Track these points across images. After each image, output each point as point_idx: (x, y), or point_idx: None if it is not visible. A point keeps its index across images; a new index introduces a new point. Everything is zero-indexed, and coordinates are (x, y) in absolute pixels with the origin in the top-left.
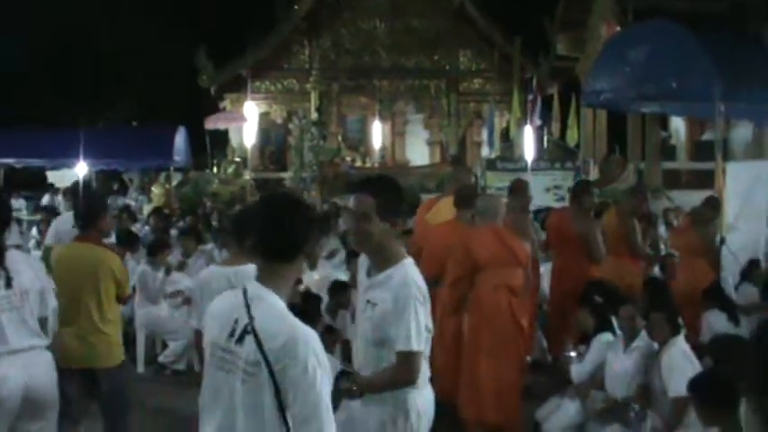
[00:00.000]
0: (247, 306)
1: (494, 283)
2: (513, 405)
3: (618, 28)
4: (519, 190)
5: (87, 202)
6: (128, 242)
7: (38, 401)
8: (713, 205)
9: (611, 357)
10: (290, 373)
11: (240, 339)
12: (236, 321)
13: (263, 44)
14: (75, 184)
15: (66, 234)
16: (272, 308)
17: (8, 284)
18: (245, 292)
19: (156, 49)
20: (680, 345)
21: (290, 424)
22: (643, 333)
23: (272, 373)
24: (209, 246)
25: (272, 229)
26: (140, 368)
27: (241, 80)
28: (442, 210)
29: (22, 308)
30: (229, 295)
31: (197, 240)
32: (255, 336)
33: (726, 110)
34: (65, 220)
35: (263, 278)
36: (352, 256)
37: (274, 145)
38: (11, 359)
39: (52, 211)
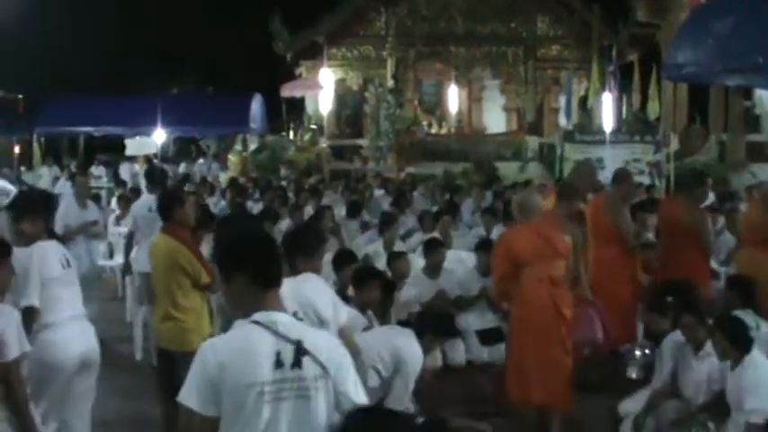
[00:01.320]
0: (282, 335)
1: (537, 277)
2: (558, 387)
3: None
4: (622, 179)
5: (164, 195)
6: (203, 226)
7: (89, 363)
8: None
9: (681, 363)
10: (343, 372)
11: (297, 364)
12: (277, 354)
13: (339, 11)
14: (152, 168)
15: (142, 219)
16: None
17: (68, 264)
18: (261, 323)
19: (232, 15)
20: (758, 361)
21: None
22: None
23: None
24: (285, 225)
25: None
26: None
27: (317, 47)
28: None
29: (76, 284)
30: (238, 338)
31: (273, 222)
32: (310, 354)
33: None
34: (141, 205)
35: (269, 305)
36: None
37: (351, 109)
38: (71, 325)
39: (131, 190)
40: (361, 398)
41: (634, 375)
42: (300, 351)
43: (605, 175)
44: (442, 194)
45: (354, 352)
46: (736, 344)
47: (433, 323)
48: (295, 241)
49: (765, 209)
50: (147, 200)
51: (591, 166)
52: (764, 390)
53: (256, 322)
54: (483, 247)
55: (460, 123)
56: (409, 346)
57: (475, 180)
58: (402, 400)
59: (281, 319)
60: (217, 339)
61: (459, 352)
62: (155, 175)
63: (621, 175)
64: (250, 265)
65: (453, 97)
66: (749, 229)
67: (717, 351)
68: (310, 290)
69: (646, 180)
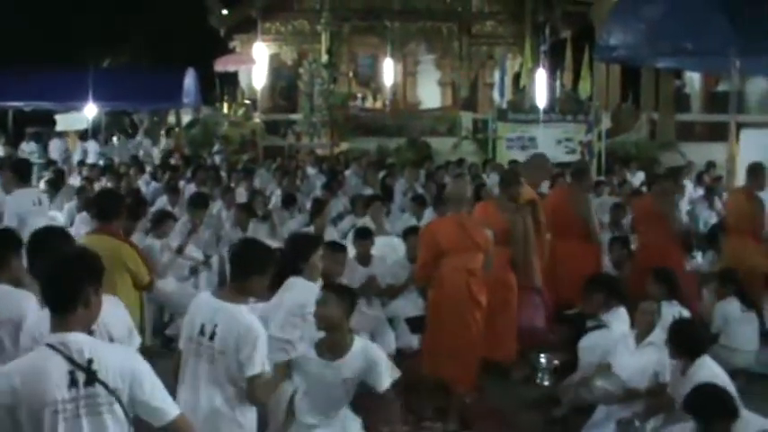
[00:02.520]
0: (72, 356)
1: (454, 267)
2: (465, 370)
3: None
4: (583, 173)
5: (104, 196)
6: (133, 216)
7: None
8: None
9: (621, 351)
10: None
11: (89, 382)
12: (70, 373)
13: None
14: (20, 161)
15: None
16: None
17: None
18: (53, 346)
19: None
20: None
21: None
22: (658, 328)
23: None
24: (217, 207)
25: None
26: (148, 341)
27: (251, 21)
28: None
29: None
30: (31, 362)
31: (204, 205)
32: (99, 373)
33: (741, 65)
34: (23, 200)
35: (62, 327)
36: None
37: (285, 82)
38: None
39: (55, 171)
40: (167, 406)
41: (546, 383)
42: (91, 371)
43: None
44: (375, 174)
45: None
46: (688, 350)
47: None
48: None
49: (751, 200)
50: (28, 194)
51: (544, 157)
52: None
53: (49, 345)
54: (411, 233)
55: (395, 97)
56: None
57: (408, 158)
58: None
59: (73, 340)
60: (10, 365)
61: (389, 340)
62: (22, 169)
63: (582, 170)
64: (42, 292)
65: (388, 71)
66: (735, 219)
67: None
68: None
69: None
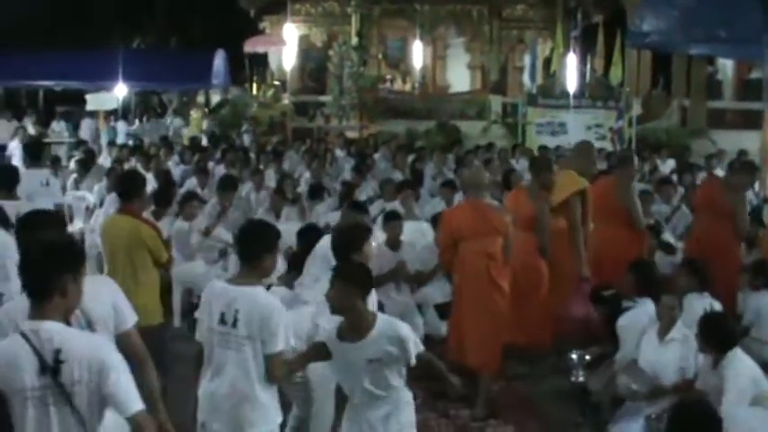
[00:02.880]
0: (41, 344)
1: (474, 251)
2: (488, 352)
3: None
4: (628, 162)
5: (126, 177)
6: (162, 202)
7: None
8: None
9: (645, 345)
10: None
11: (56, 371)
12: (39, 361)
13: None
14: (32, 142)
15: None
16: None
17: None
18: (24, 334)
19: None
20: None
21: None
22: (679, 323)
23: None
24: (246, 189)
25: None
26: (177, 322)
27: (281, 2)
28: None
29: None
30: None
31: (233, 188)
32: (67, 363)
33: None
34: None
35: (38, 314)
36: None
37: (314, 63)
38: None
39: (86, 151)
40: (130, 400)
41: (581, 379)
42: (58, 360)
43: (568, 140)
44: (404, 158)
45: (141, 358)
46: (719, 344)
47: None
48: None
49: (727, 190)
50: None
51: (590, 144)
52: (744, 386)
53: (22, 333)
54: (438, 220)
55: (424, 80)
56: None
57: (437, 141)
58: None
59: (45, 328)
60: None
61: (417, 326)
62: (33, 149)
63: (627, 158)
64: (20, 277)
65: (418, 53)
66: (706, 205)
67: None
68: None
69: (608, 146)
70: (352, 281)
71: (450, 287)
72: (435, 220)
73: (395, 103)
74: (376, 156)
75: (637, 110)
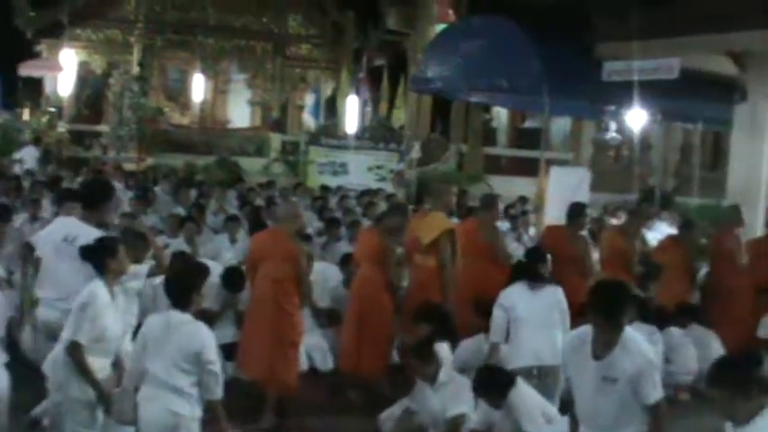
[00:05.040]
0: None
1: (263, 274)
2: (276, 369)
3: (450, 10)
4: (492, 205)
5: None
6: None
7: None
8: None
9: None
10: None
11: None
12: None
13: None
14: None
15: None
16: None
17: None
18: None
19: None
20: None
21: None
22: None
23: None
24: (20, 220)
25: None
26: None
27: (60, 26)
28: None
29: None
30: None
31: (7, 219)
32: None
33: (550, 105)
34: None
35: None
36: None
37: (91, 90)
38: None
39: None
40: None
41: None
42: None
43: (349, 180)
44: (187, 193)
45: None
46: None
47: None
48: None
49: (626, 236)
50: None
51: (448, 186)
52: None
53: None
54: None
55: (203, 114)
56: None
57: (217, 177)
58: None
59: None
60: None
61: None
62: None
63: (491, 201)
64: None
65: (198, 86)
66: (610, 256)
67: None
68: None
69: (389, 187)
70: None
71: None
72: (344, 261)
73: (174, 136)
74: (157, 188)
75: (416, 152)
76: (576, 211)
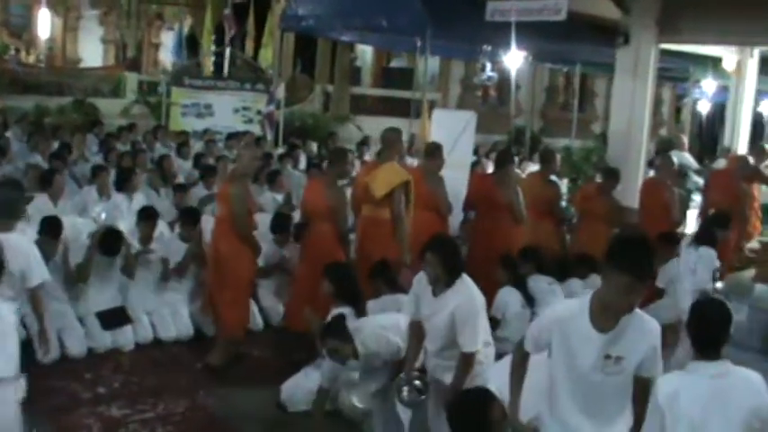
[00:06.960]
0: None
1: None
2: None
3: None
4: (436, 153)
5: None
6: None
7: None
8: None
9: None
10: None
11: None
12: None
13: None
14: None
15: None
16: None
17: None
18: None
19: None
20: None
21: None
22: None
23: None
24: None
25: None
26: None
27: None
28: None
29: None
30: None
31: None
32: None
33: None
34: None
35: None
36: None
37: None
38: None
39: None
40: None
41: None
42: None
43: (214, 122)
44: (45, 141)
45: None
46: None
47: None
48: None
49: (545, 184)
50: None
51: (397, 131)
52: None
53: None
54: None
55: (52, 52)
56: None
57: (73, 120)
58: None
59: None
60: None
61: (77, 340)
62: None
63: (435, 149)
64: None
65: (45, 22)
66: (531, 202)
67: None
68: None
69: (256, 129)
70: None
71: (114, 290)
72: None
73: (21, 77)
74: (8, 134)
75: (280, 93)
76: (504, 158)
